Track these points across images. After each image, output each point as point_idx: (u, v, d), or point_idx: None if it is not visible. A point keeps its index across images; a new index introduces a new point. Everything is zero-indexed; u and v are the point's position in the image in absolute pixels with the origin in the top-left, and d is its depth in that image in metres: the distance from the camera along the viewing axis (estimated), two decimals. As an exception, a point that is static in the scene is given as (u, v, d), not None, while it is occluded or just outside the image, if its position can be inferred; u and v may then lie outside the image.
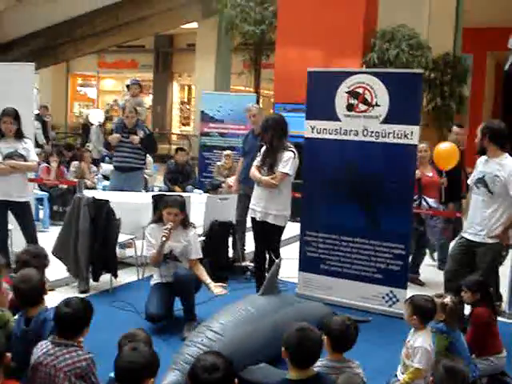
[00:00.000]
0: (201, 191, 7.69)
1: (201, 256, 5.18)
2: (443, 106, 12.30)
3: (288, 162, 5.31)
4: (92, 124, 12.89)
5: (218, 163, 10.35)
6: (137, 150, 7.58)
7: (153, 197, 6.46)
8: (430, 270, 6.85)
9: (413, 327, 3.87)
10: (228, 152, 10.24)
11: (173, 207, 5.00)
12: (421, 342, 3.75)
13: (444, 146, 7.16)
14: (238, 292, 6.01)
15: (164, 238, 4.88)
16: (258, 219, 5.48)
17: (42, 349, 3.04)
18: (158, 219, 5.12)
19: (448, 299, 4.07)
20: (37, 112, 10.99)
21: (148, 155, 10.65)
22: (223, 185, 9.78)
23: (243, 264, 6.82)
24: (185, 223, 5.11)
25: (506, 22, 17.87)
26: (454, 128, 7.18)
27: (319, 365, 3.26)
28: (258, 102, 11.12)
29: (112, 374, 2.96)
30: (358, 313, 5.52)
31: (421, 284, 6.53)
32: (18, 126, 5.71)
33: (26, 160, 5.70)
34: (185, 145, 18.33)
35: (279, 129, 5.38)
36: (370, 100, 5.43)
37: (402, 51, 10.12)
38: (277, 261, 4.79)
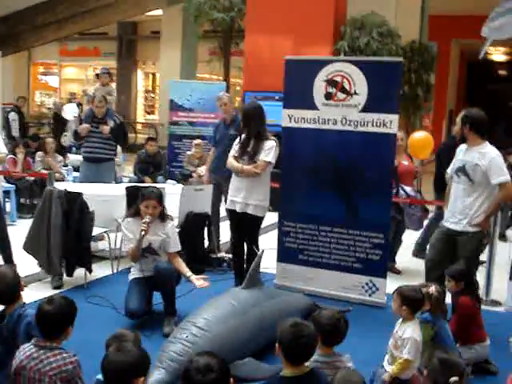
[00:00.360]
0: (174, 182, 7.56)
1: (179, 249, 5.07)
2: (411, 94, 12.35)
3: (270, 150, 5.25)
4: (66, 119, 12.64)
5: (188, 152, 10.20)
6: (107, 141, 7.40)
7: (126, 188, 6.32)
8: (404, 258, 6.85)
9: (401, 318, 3.84)
10: (198, 141, 10.09)
11: (150, 200, 4.86)
12: (410, 332, 3.72)
13: (418, 135, 7.21)
14: (215, 284, 5.92)
15: (143, 233, 4.75)
16: (237, 210, 5.39)
17: (25, 352, 2.89)
18: (134, 213, 4.97)
19: (433, 288, 4.06)
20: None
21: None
22: (194, 174, 9.65)
23: (219, 255, 6.74)
24: (162, 216, 4.99)
25: (470, 9, 18.07)
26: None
27: (310, 360, 3.20)
28: (227, 91, 10.98)
29: (99, 376, 2.85)
30: (338, 303, 5.49)
31: (397, 272, 6.54)
32: None
33: None
34: (151, 134, 18.11)
35: (261, 117, 5.31)
36: (348, 88, 5.37)
37: (372, 39, 10.11)
38: (259, 252, 4.72)
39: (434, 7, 15.42)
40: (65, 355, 2.88)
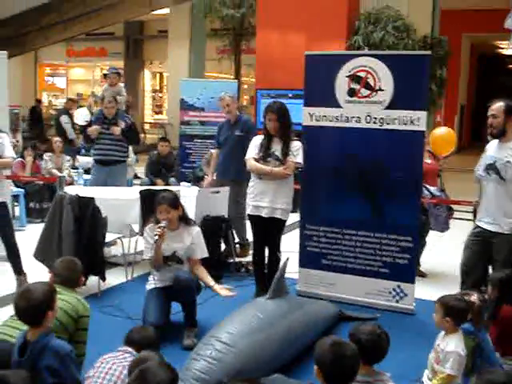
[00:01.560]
0: (189, 184, 7.29)
1: (207, 255, 4.77)
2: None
3: (299, 151, 5.05)
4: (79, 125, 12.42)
5: (212, 151, 9.76)
6: (119, 142, 7.15)
7: (140, 192, 6.07)
8: (428, 260, 6.57)
9: (444, 330, 3.58)
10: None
11: (162, 204, 4.58)
12: (453, 346, 3.47)
13: (441, 131, 6.92)
14: (235, 290, 5.69)
15: (157, 237, 4.46)
16: (264, 216, 5.13)
17: None
18: (156, 220, 4.70)
19: (475, 297, 3.79)
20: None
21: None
22: (205, 177, 9.32)
23: (237, 260, 6.48)
24: (186, 220, 4.72)
25: (481, 4, 17.76)
26: None
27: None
28: (239, 89, 10.73)
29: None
30: (363, 310, 5.25)
31: (423, 275, 6.26)
32: None
33: (0, 156, 5.23)
34: (160, 134, 17.88)
35: (289, 116, 5.07)
36: (372, 84, 5.09)
37: (387, 33, 9.81)
38: (284, 260, 4.46)
39: (445, 2, 15.14)
40: None
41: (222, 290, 4.51)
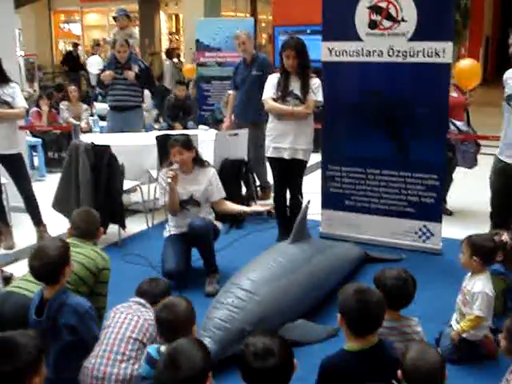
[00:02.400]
0: (207, 127, 7.11)
1: (224, 195, 4.63)
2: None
3: (319, 89, 4.86)
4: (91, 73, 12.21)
5: (229, 91, 9.49)
6: (133, 87, 6.96)
7: (156, 137, 5.92)
8: (455, 198, 6.36)
9: (471, 270, 3.44)
10: None
11: (174, 146, 4.44)
12: (481, 286, 3.33)
13: (465, 64, 6.61)
14: (255, 234, 5.61)
15: (169, 180, 4.33)
16: (285, 157, 4.98)
17: None
18: (169, 163, 4.57)
19: (506, 236, 3.64)
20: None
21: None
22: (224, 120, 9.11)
23: (258, 203, 6.36)
24: (200, 162, 4.59)
25: None
26: None
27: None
28: (255, 27, 10.39)
29: (150, 350, 2.70)
30: (389, 250, 5.13)
31: (449, 213, 6.08)
32: None
33: (11, 107, 5.09)
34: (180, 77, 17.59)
35: (307, 52, 4.86)
36: (395, 15, 4.80)
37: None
38: (305, 203, 4.31)
39: None
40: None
41: (256, 207, 4.66)
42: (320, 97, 4.88)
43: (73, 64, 17.22)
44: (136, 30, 8.74)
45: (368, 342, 2.50)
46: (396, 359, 2.46)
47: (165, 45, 22.80)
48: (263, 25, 18.37)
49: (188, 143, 4.50)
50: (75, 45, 19.46)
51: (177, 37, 23.33)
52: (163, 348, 2.63)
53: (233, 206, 4.68)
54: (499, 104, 4.60)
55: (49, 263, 2.83)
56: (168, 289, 3.28)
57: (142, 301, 3.12)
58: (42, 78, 14.81)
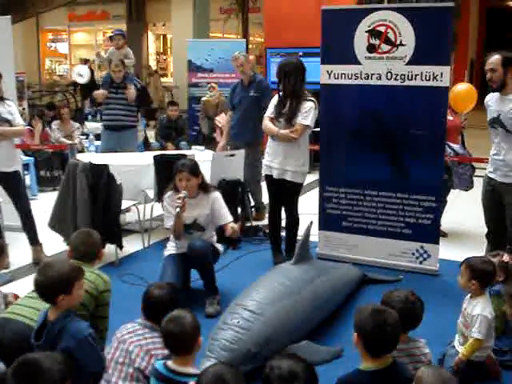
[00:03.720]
0: (202, 147, 7.13)
1: (231, 219, 4.56)
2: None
3: (309, 113, 4.84)
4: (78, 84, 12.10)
5: (203, 98, 9.26)
6: (128, 107, 7.00)
7: (154, 157, 5.93)
8: (449, 220, 6.42)
9: (469, 293, 3.46)
10: (213, 84, 9.22)
11: (182, 172, 4.41)
12: (479, 309, 3.34)
13: (461, 88, 6.71)
14: (253, 255, 5.62)
15: (178, 209, 4.31)
16: (274, 177, 5.02)
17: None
18: (174, 187, 4.55)
19: (506, 257, 3.66)
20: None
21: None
22: (216, 136, 9.09)
23: (254, 224, 6.37)
24: (204, 187, 4.57)
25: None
26: None
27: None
28: (247, 48, 10.47)
29: (157, 365, 2.66)
30: (386, 271, 5.15)
31: (443, 235, 6.12)
32: None
33: (11, 125, 5.08)
34: (167, 97, 17.66)
35: (300, 75, 4.88)
36: (393, 39, 4.89)
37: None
38: (308, 224, 4.33)
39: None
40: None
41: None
42: (308, 121, 4.86)
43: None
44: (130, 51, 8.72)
45: (383, 362, 2.51)
46: (409, 379, 2.48)
47: (153, 65, 22.89)
48: (253, 46, 18.52)
49: (195, 169, 4.47)
50: (85, 60, 18.82)
51: (164, 57, 23.44)
52: (169, 362, 2.62)
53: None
54: (485, 126, 4.71)
55: (52, 281, 2.76)
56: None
57: (148, 323, 3.02)
58: (31, 97, 14.75)
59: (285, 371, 2.08)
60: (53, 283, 2.77)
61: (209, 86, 9.30)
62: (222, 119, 8.55)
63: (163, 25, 22.39)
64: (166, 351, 2.70)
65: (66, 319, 2.77)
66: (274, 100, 5.08)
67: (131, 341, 2.89)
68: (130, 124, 7.07)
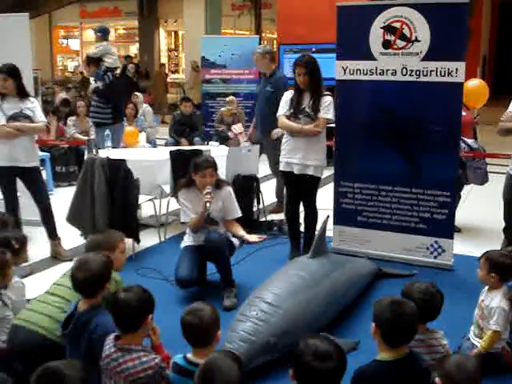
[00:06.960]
0: (217, 143, 7.19)
1: (240, 215, 4.71)
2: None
3: (329, 107, 4.91)
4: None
5: (222, 109, 9.79)
6: (97, 103, 7.29)
7: (170, 153, 5.99)
8: (462, 215, 6.44)
9: (487, 286, 3.51)
10: (231, 98, 9.66)
11: (208, 168, 4.51)
12: (497, 301, 3.41)
13: (472, 83, 6.73)
14: (268, 249, 5.66)
15: (208, 204, 4.41)
16: (295, 172, 5.05)
17: (105, 351, 2.66)
18: (188, 183, 4.64)
19: (525, 251, 3.71)
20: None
21: (147, 106, 10.16)
22: (230, 134, 9.26)
23: (269, 219, 6.42)
24: (218, 182, 4.67)
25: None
26: None
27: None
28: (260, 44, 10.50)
29: (177, 359, 2.68)
30: (400, 266, 5.19)
31: (457, 230, 6.14)
32: (17, 84, 5.15)
33: (32, 121, 5.17)
34: (179, 93, 17.73)
35: (319, 70, 4.93)
36: (408, 35, 4.92)
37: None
38: (324, 219, 4.38)
39: None
40: (144, 359, 2.59)
41: (252, 237, 4.51)
42: (330, 115, 4.94)
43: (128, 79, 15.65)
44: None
45: (400, 353, 2.56)
46: (425, 369, 2.52)
47: (164, 61, 22.99)
48: (265, 42, 18.55)
49: (216, 165, 4.60)
50: (129, 57, 18.15)
51: (176, 53, 23.53)
52: (189, 355, 2.65)
53: (237, 229, 4.67)
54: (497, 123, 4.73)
55: (92, 276, 2.87)
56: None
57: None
58: (45, 93, 14.85)
59: (320, 349, 2.14)
60: (93, 282, 2.88)
61: (227, 99, 9.52)
62: (238, 128, 8.82)
63: (175, 21, 22.49)
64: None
65: (95, 311, 2.85)
66: (286, 97, 5.11)
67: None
68: (101, 121, 7.46)
